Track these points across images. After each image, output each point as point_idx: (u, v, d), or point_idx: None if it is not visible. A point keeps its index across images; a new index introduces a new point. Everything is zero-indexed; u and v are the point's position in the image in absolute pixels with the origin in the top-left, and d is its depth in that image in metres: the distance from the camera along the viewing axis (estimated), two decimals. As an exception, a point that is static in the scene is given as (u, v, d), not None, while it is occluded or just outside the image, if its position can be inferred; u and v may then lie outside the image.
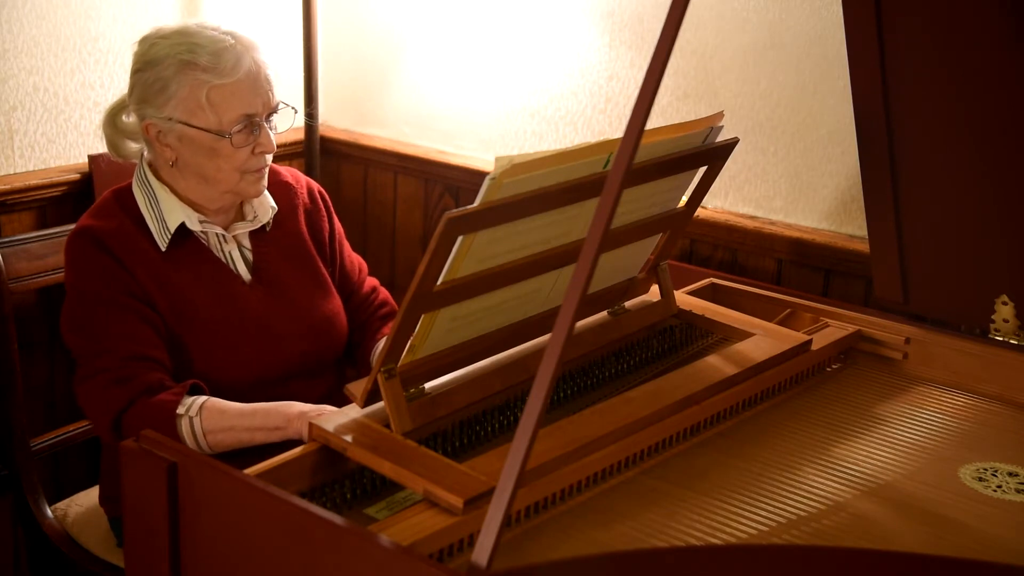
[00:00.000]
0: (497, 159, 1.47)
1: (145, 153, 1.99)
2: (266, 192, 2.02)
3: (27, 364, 2.39)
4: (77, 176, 2.48)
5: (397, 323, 1.50)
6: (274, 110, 1.95)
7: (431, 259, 1.46)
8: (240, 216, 2.03)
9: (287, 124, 1.99)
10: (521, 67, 2.72)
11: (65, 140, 2.51)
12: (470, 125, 2.83)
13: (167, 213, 1.93)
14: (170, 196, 1.94)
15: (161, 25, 1.95)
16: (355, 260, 2.21)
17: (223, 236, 1.99)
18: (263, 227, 2.04)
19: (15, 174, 2.44)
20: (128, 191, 1.97)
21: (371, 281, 2.23)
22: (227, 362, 1.93)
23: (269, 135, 1.94)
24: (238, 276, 1.99)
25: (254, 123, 1.91)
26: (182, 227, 1.94)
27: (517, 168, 1.49)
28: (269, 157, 1.96)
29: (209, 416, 1.82)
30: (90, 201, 2.47)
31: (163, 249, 1.92)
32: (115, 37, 2.55)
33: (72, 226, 2.36)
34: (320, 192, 2.17)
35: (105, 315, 1.88)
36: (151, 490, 1.43)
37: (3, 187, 2.36)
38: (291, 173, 2.14)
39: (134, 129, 1.99)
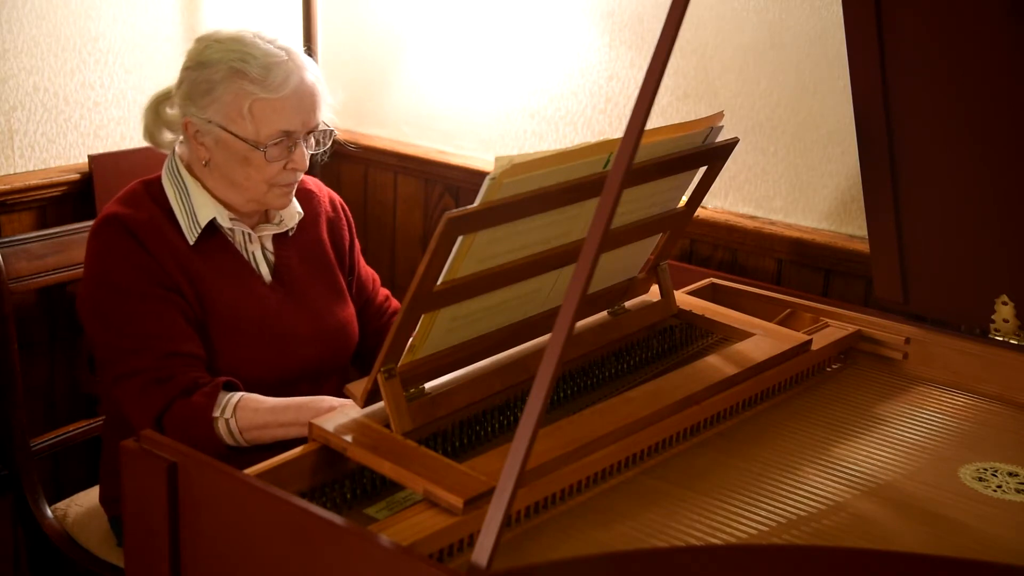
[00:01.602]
0: (497, 159, 1.47)
1: (177, 147, 2.00)
2: (294, 198, 2.03)
3: (27, 364, 2.39)
4: (77, 176, 2.48)
5: (397, 323, 1.50)
6: (314, 130, 1.95)
7: (431, 259, 1.46)
8: (266, 218, 2.05)
9: (321, 147, 2.00)
10: (521, 67, 2.72)
11: (65, 140, 2.51)
12: (470, 125, 2.83)
13: (198, 208, 1.94)
14: (202, 191, 1.95)
15: (219, 28, 1.97)
16: (369, 271, 2.25)
17: (249, 235, 2.00)
18: (287, 231, 2.05)
19: (15, 174, 2.44)
20: (157, 183, 1.97)
21: (383, 291, 2.27)
22: (240, 359, 1.94)
23: (304, 153, 1.95)
24: (260, 276, 2.00)
25: (291, 140, 1.92)
26: (211, 222, 1.95)
27: (517, 168, 1.48)
28: (300, 174, 1.97)
29: (243, 416, 1.83)
30: (90, 201, 2.48)
31: (191, 243, 1.93)
32: (115, 37, 2.55)
33: (72, 225, 2.35)
34: (341, 204, 2.19)
35: (138, 309, 1.87)
36: (151, 490, 1.43)
37: (3, 187, 2.37)
38: (313, 182, 2.16)
39: (175, 120, 2.00)
